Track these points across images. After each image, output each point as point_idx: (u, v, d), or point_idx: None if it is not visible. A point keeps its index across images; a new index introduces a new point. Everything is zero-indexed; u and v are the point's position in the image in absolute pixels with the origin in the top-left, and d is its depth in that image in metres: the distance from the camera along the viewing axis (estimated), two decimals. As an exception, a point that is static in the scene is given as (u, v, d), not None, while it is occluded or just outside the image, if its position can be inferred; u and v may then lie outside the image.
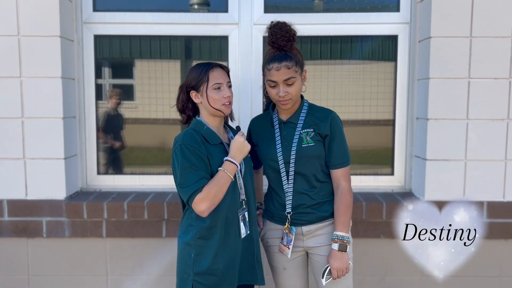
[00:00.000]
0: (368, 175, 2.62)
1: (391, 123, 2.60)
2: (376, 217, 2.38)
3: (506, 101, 2.34)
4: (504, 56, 2.32)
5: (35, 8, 2.32)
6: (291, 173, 1.84)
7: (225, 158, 1.73)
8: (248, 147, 1.76)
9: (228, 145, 1.83)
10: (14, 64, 2.34)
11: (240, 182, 1.80)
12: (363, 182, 2.61)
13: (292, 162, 1.83)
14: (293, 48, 1.81)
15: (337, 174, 1.85)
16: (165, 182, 2.63)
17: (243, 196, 1.81)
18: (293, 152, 1.83)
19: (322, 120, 1.84)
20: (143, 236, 2.44)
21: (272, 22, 1.83)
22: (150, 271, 2.51)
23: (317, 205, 1.86)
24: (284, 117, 1.89)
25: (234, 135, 1.91)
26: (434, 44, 2.32)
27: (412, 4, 2.51)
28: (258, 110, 2.57)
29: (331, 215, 1.86)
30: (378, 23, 2.53)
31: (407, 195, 2.52)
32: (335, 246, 1.78)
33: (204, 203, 1.65)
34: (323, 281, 1.80)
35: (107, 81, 2.61)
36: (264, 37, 2.53)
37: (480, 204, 2.38)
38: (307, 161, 1.83)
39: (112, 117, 2.64)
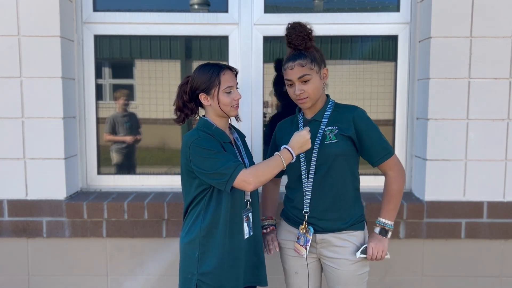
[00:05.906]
0: (368, 175, 2.62)
1: (391, 123, 2.60)
2: (376, 217, 2.35)
3: (506, 101, 2.34)
4: (504, 56, 2.32)
5: (35, 8, 2.32)
6: (312, 171, 1.81)
7: (284, 146, 1.73)
8: (309, 145, 1.74)
9: (236, 145, 1.83)
10: (14, 64, 2.34)
11: None
12: (363, 182, 2.59)
13: (314, 161, 1.80)
14: (309, 47, 1.80)
15: (383, 167, 1.84)
16: (165, 182, 2.63)
17: (248, 197, 1.80)
18: (315, 149, 1.79)
19: (345, 119, 1.80)
20: (143, 236, 2.44)
21: (288, 24, 1.81)
22: (150, 271, 2.51)
23: (335, 212, 1.81)
24: (309, 115, 1.88)
25: (239, 136, 1.92)
26: (434, 44, 2.32)
27: (412, 4, 2.51)
28: (258, 110, 2.57)
29: (349, 227, 1.82)
30: (378, 23, 2.53)
31: (407, 195, 2.52)
32: (376, 229, 1.85)
33: (250, 176, 1.62)
34: (357, 254, 1.79)
35: (107, 81, 2.61)
36: (264, 37, 2.54)
37: (480, 204, 2.39)
38: (330, 159, 1.78)
39: (123, 118, 2.64)
